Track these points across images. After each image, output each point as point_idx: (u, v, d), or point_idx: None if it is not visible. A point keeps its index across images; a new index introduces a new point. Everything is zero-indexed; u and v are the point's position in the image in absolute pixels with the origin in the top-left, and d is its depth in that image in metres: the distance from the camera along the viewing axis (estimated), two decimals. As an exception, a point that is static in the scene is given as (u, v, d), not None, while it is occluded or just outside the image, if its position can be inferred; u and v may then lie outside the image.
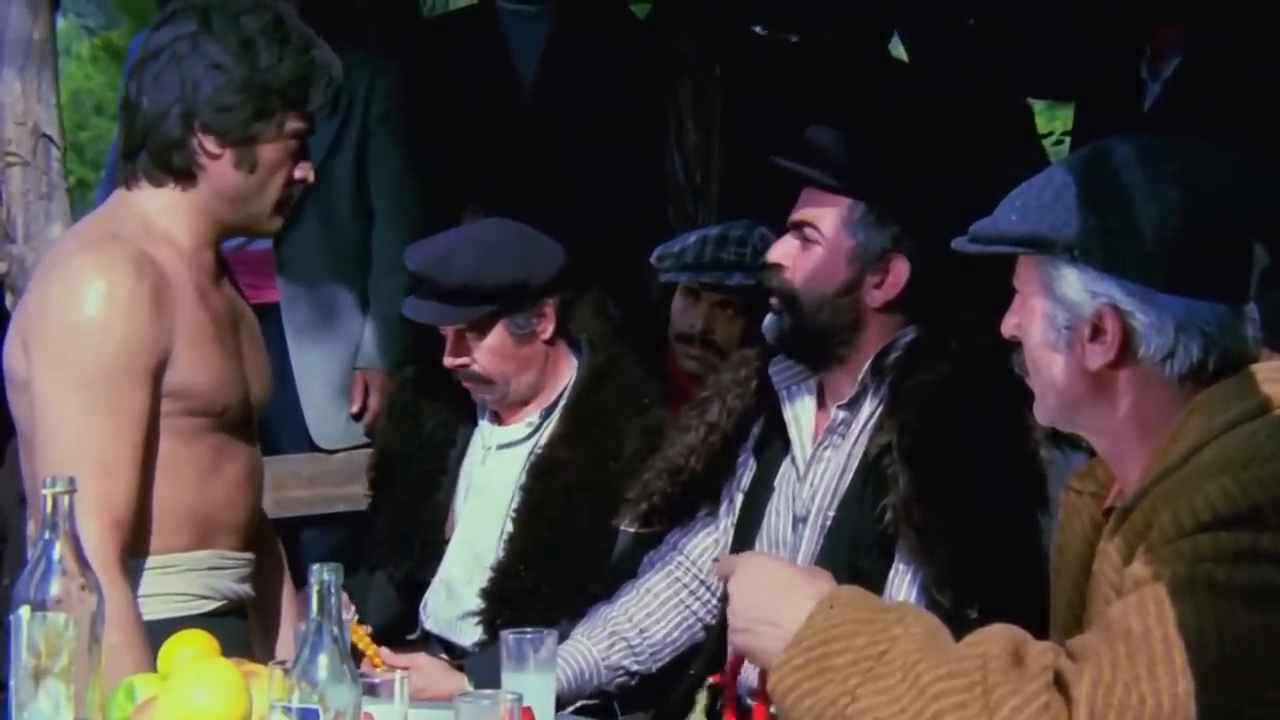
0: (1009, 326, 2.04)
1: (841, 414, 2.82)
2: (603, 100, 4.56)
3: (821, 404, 2.89)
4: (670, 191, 4.77)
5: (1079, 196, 1.92)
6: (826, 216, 2.81)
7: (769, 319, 2.87)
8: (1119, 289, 1.91)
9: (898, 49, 5.84)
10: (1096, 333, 1.93)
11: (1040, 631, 1.94)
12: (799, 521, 2.83)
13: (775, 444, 2.93)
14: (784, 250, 2.85)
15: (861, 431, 2.80)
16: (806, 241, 2.83)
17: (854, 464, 2.79)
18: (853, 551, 2.73)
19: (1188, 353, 1.90)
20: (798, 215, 2.85)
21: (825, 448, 2.83)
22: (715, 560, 2.91)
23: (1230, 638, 1.74)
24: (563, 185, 4.48)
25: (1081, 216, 1.92)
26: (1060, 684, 1.76)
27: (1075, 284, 1.93)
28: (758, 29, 5.23)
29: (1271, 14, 3.89)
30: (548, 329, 3.32)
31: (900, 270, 2.80)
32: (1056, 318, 1.95)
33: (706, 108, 4.77)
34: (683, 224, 4.57)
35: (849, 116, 2.99)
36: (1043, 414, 2.04)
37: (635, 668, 3.02)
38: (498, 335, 3.30)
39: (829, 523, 2.79)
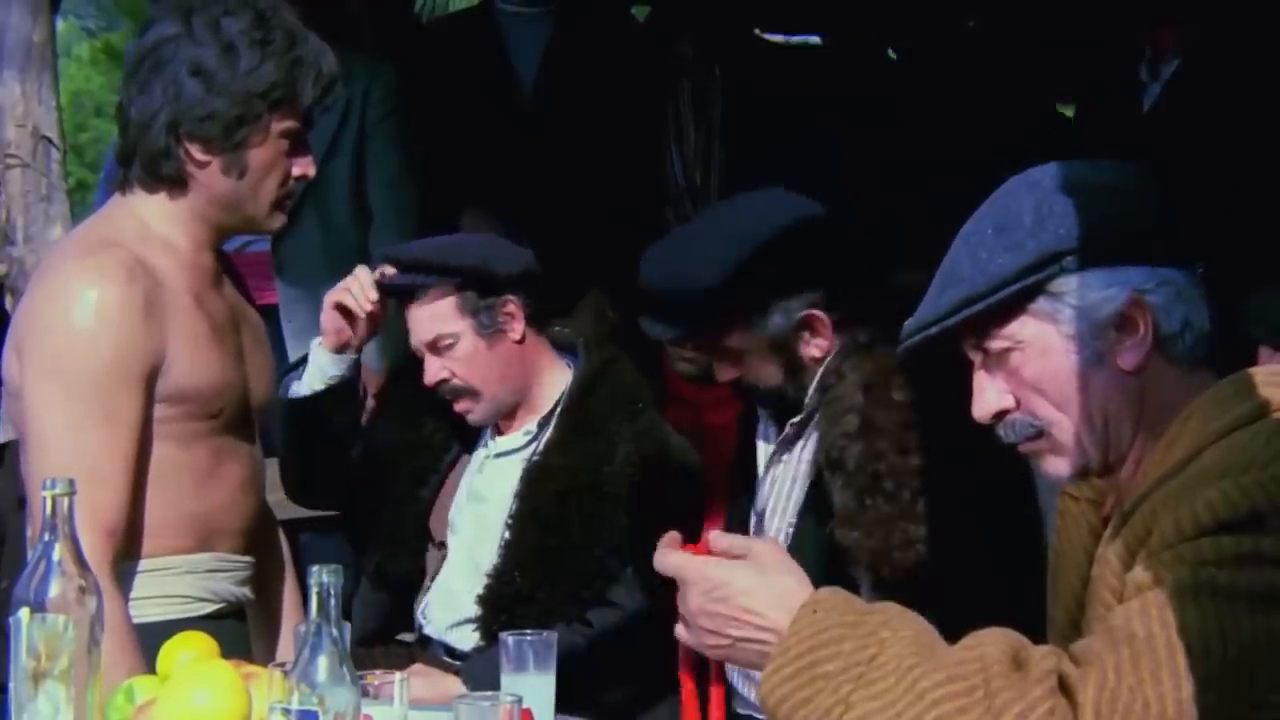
0: (996, 403, 1.99)
1: (792, 430, 2.93)
2: (602, 102, 4.56)
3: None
4: (669, 193, 4.77)
5: (1062, 207, 1.93)
6: (728, 339, 2.89)
7: (760, 412, 3.02)
8: (1135, 273, 1.93)
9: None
10: (1122, 330, 1.93)
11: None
12: (759, 521, 2.93)
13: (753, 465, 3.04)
14: (723, 371, 2.95)
15: (807, 445, 2.90)
16: (729, 358, 2.91)
17: (803, 476, 2.89)
18: (817, 560, 2.75)
19: (1199, 319, 1.95)
20: (704, 342, 2.95)
21: (780, 454, 2.95)
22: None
23: (1233, 642, 1.73)
24: (562, 187, 4.48)
25: (1078, 219, 1.93)
26: (1064, 688, 1.76)
27: (1095, 284, 1.93)
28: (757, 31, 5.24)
29: (1271, 14, 3.89)
30: (515, 328, 3.32)
31: (820, 322, 2.86)
32: (1083, 334, 1.94)
33: (706, 109, 4.77)
34: (682, 225, 4.56)
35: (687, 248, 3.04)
36: (1074, 460, 1.98)
37: None
38: (468, 341, 3.30)
39: (792, 530, 2.87)
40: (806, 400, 2.89)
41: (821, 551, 2.77)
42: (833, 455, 2.79)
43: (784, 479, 2.92)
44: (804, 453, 2.90)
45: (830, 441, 2.80)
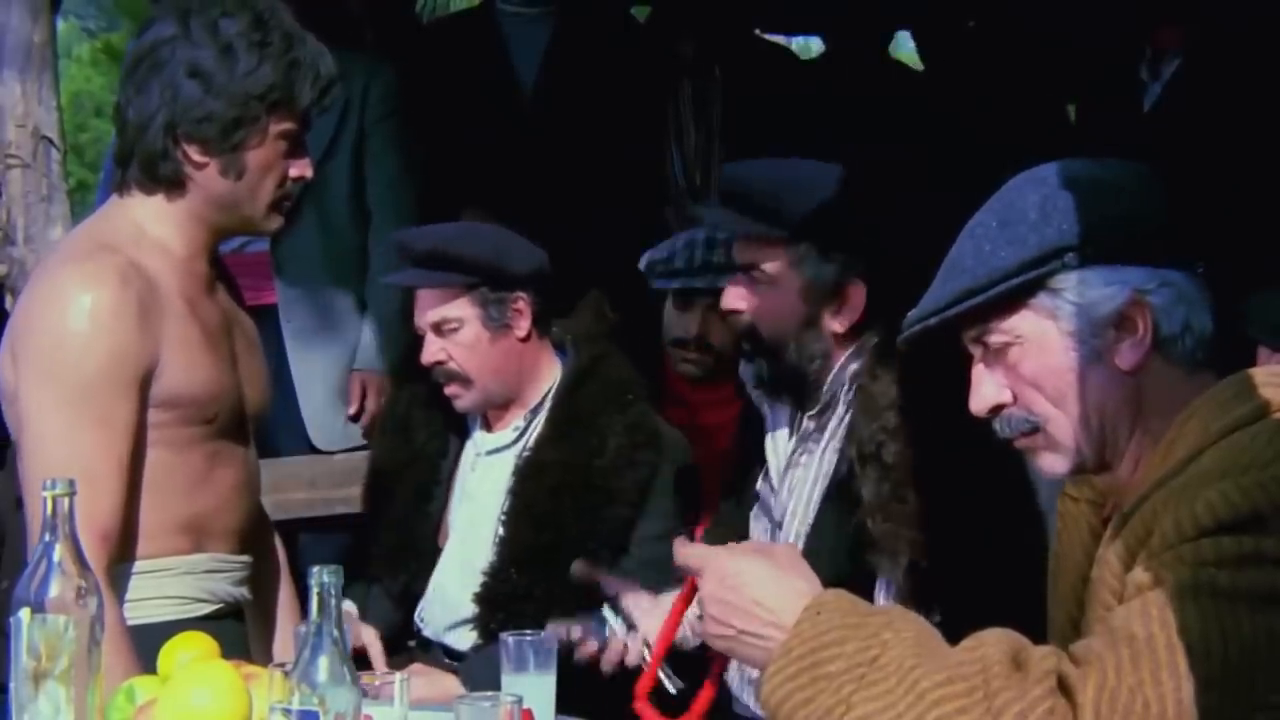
0: (994, 397, 2.00)
1: (811, 423, 2.86)
2: (602, 102, 4.57)
3: (796, 420, 2.91)
4: (669, 193, 4.78)
5: (1066, 204, 1.93)
6: (770, 259, 2.81)
7: (743, 366, 2.90)
8: (1136, 273, 1.93)
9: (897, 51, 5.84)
10: (1121, 329, 1.93)
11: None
12: (775, 528, 2.87)
13: (758, 460, 2.97)
14: (736, 294, 2.86)
15: (830, 440, 2.83)
16: (756, 283, 2.83)
17: (825, 472, 2.83)
18: (832, 561, 2.74)
19: (1200, 323, 1.95)
20: (742, 259, 2.86)
21: (800, 454, 2.87)
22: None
23: (1234, 642, 1.73)
24: (563, 187, 4.48)
25: (1080, 217, 1.93)
26: (1064, 688, 1.76)
27: (1096, 283, 1.93)
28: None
29: (1271, 14, 3.90)
30: (523, 325, 3.32)
31: (857, 295, 2.80)
32: (1082, 331, 1.94)
33: (706, 109, 4.78)
34: (682, 226, 4.56)
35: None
36: (1068, 457, 1.99)
37: None
38: (472, 330, 3.30)
39: (807, 532, 2.82)
40: (824, 390, 2.82)
41: (842, 540, 2.73)
42: (867, 450, 2.72)
43: (803, 481, 2.86)
44: (828, 451, 2.83)
45: (869, 435, 2.73)
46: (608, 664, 2.83)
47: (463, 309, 3.30)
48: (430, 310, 3.32)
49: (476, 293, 3.30)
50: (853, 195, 2.80)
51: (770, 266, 2.81)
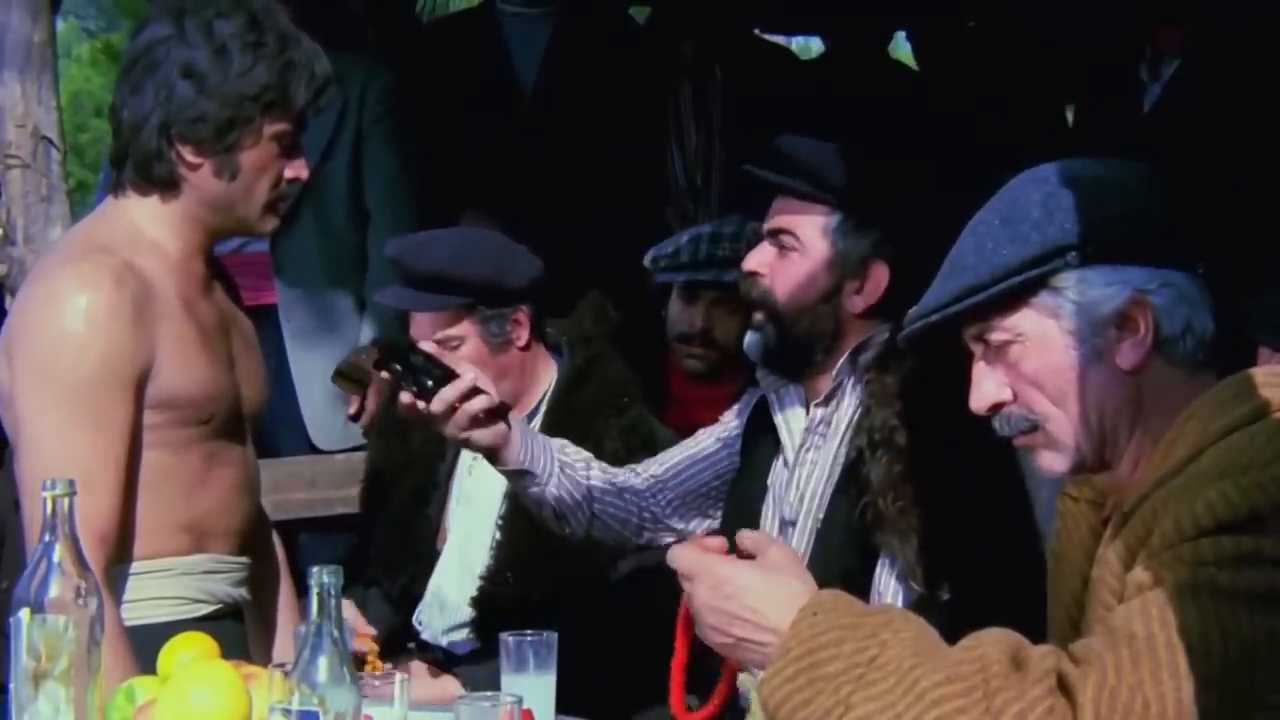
0: (994, 395, 2.00)
1: (819, 413, 2.84)
2: (603, 102, 4.57)
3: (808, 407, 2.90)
4: (670, 193, 4.78)
5: (1069, 202, 1.94)
6: (804, 224, 2.80)
7: (750, 336, 2.87)
8: (1138, 273, 1.94)
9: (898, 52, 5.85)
10: (1122, 329, 1.94)
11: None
12: (787, 524, 2.85)
13: (767, 445, 2.94)
14: (761, 258, 2.84)
15: (844, 431, 2.81)
16: (784, 250, 2.82)
17: (838, 465, 2.80)
18: (842, 552, 2.74)
19: (1201, 324, 1.95)
20: (774, 223, 2.84)
21: (808, 449, 2.85)
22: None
23: (1234, 642, 1.73)
24: (563, 187, 4.48)
25: (1083, 215, 1.93)
26: (1064, 687, 1.76)
27: (1097, 281, 1.94)
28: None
29: (1271, 14, 3.90)
30: (522, 336, 3.31)
31: (880, 276, 2.79)
32: (1082, 330, 1.94)
33: (707, 110, 4.78)
34: (683, 226, 4.57)
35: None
36: (1068, 455, 1.99)
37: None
38: (473, 346, 3.28)
39: (818, 524, 2.80)
40: (830, 378, 2.80)
41: (852, 527, 2.73)
42: (878, 436, 2.72)
43: (813, 476, 2.84)
44: (838, 445, 2.82)
45: (882, 421, 2.72)
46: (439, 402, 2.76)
47: (463, 329, 3.29)
48: (429, 331, 3.31)
49: (476, 312, 3.28)
50: (894, 176, 2.81)
51: (802, 232, 2.80)
